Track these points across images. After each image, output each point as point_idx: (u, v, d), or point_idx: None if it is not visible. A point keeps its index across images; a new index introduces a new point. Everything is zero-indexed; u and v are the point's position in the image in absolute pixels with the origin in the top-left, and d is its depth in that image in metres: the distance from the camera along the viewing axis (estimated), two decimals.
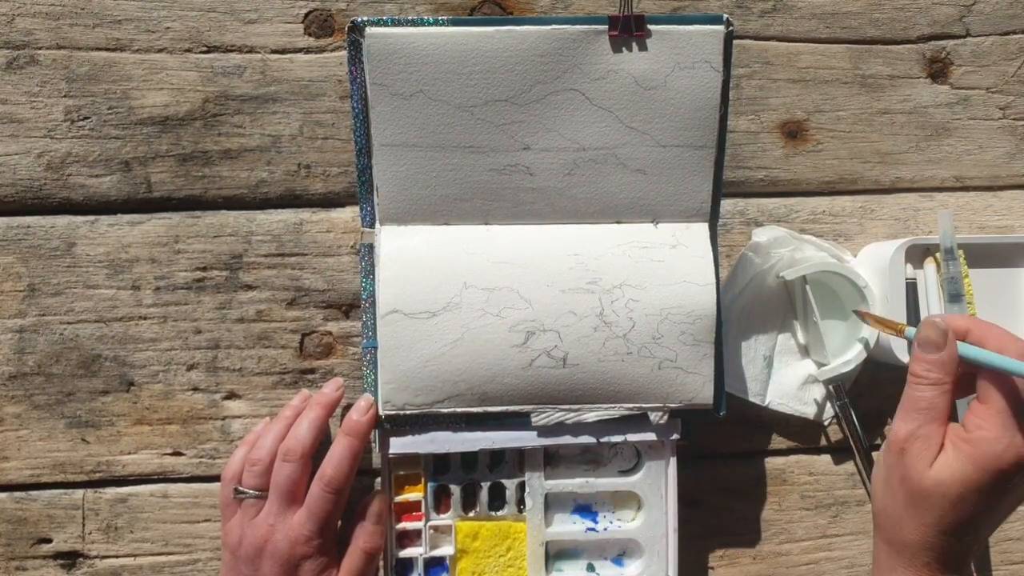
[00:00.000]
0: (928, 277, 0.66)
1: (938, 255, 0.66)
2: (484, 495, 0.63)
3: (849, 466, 0.70)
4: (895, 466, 0.53)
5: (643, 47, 0.58)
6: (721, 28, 0.58)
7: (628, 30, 0.58)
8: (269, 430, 0.62)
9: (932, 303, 0.66)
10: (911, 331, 0.57)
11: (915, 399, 0.53)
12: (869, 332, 0.66)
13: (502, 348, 0.59)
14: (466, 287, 0.59)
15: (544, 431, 0.62)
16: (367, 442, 0.61)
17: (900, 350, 0.64)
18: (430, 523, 0.63)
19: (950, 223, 0.65)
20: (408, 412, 0.60)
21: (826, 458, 0.70)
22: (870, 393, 0.70)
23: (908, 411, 0.53)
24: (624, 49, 0.58)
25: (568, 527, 0.64)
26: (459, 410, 0.60)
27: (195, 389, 0.67)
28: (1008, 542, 0.71)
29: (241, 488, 0.61)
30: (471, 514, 0.63)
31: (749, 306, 0.68)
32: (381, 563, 0.62)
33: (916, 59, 0.71)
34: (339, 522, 0.62)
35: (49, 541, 0.66)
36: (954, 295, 0.65)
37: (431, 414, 0.60)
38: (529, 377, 0.60)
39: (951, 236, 0.65)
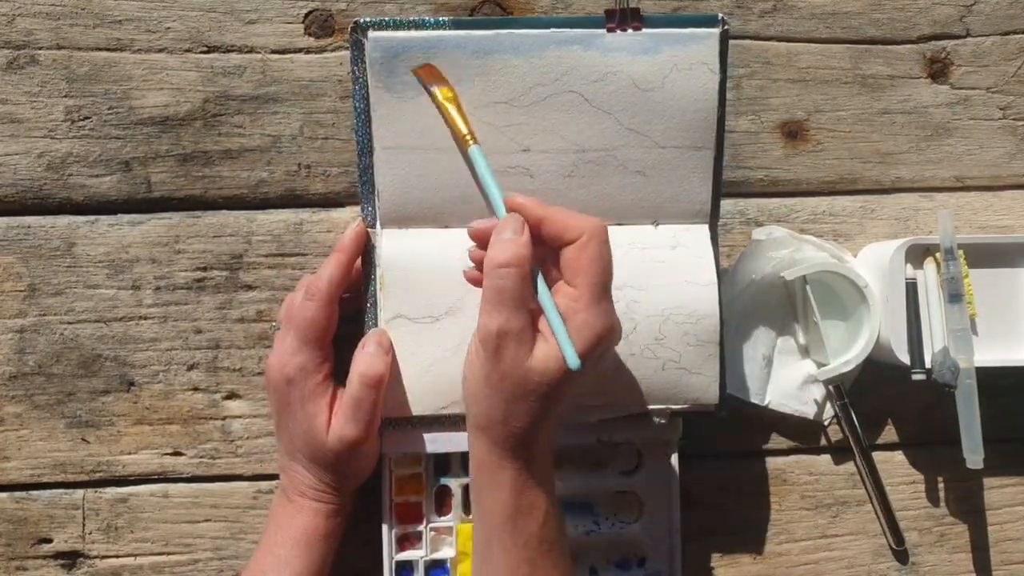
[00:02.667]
0: (928, 277, 0.66)
1: (938, 255, 0.66)
2: None
3: (849, 466, 0.70)
4: (494, 365, 0.51)
5: (643, 47, 0.58)
6: (716, 30, 0.59)
7: (625, 23, 0.58)
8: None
9: (932, 303, 0.66)
10: (476, 149, 0.57)
11: (500, 288, 0.50)
12: (869, 332, 0.66)
13: None
14: (468, 291, 0.59)
15: None
16: (355, 256, 0.60)
17: (901, 350, 0.64)
18: (431, 525, 0.63)
19: (950, 223, 0.65)
20: (411, 416, 0.60)
21: (826, 458, 0.70)
22: (870, 393, 0.70)
23: (495, 303, 0.51)
24: (623, 50, 0.58)
25: (570, 528, 0.64)
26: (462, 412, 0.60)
27: (195, 389, 0.67)
28: (1008, 542, 0.71)
29: (274, 323, 0.62)
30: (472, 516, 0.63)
31: (749, 306, 0.68)
32: (383, 563, 0.62)
33: (916, 59, 0.71)
34: (330, 341, 0.60)
35: (49, 541, 0.66)
36: (954, 295, 0.65)
37: (433, 416, 0.60)
38: None
39: (951, 236, 0.65)
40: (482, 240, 0.54)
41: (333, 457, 0.59)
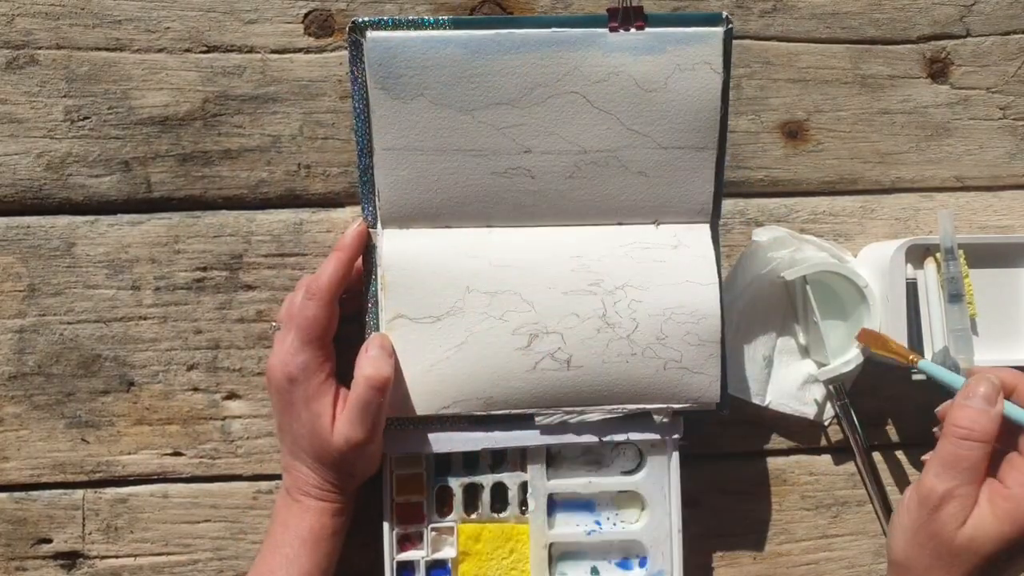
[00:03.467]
0: (928, 277, 0.66)
1: (938, 255, 0.66)
2: (486, 496, 0.63)
3: (849, 466, 0.70)
4: (926, 522, 0.52)
5: (646, 46, 0.58)
6: (720, 29, 0.58)
7: (627, 22, 0.58)
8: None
9: (932, 303, 0.66)
10: (926, 363, 0.57)
11: (958, 457, 0.51)
12: None
13: (506, 351, 0.59)
14: (469, 291, 0.59)
15: (547, 430, 0.62)
16: (356, 255, 0.60)
17: None
18: (432, 525, 0.63)
19: (950, 223, 0.65)
20: (412, 416, 0.60)
21: (826, 458, 0.70)
22: (870, 393, 0.70)
23: (948, 467, 0.51)
24: (625, 50, 0.58)
25: (571, 528, 0.64)
26: (464, 413, 0.60)
27: (195, 389, 0.67)
28: None
29: (275, 322, 0.62)
30: (473, 516, 0.63)
31: (749, 306, 0.68)
32: (384, 563, 0.62)
33: (916, 59, 0.71)
34: (331, 340, 0.60)
35: (49, 541, 0.66)
36: (954, 295, 0.65)
37: (434, 416, 0.60)
38: (533, 380, 0.60)
39: (951, 236, 0.65)
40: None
41: (338, 457, 0.58)
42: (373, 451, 0.60)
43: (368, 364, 0.57)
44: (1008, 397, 0.52)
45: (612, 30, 0.58)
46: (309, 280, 0.59)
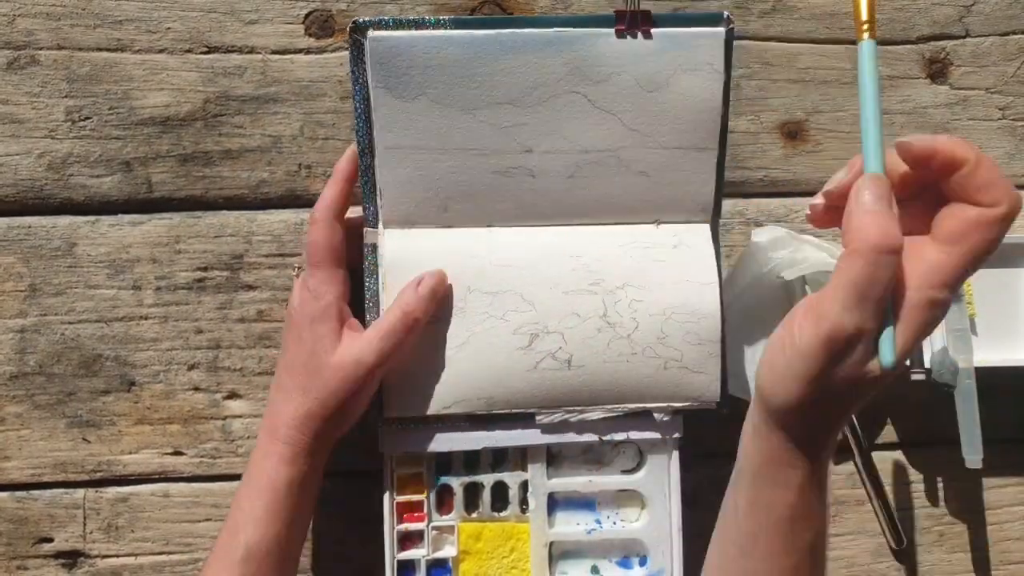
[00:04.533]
0: None
1: None
2: (487, 495, 0.63)
3: (849, 466, 0.70)
4: (831, 366, 0.44)
5: (647, 47, 0.58)
6: (722, 30, 0.59)
7: (635, 25, 0.58)
8: None
9: None
10: (868, 44, 0.45)
11: (875, 279, 0.42)
12: None
13: (507, 351, 0.59)
14: (470, 291, 0.59)
15: (547, 429, 0.62)
16: (353, 177, 0.60)
17: None
18: (432, 524, 0.63)
19: None
20: (414, 416, 0.60)
21: None
22: None
23: (862, 296, 0.43)
24: (627, 50, 0.58)
25: (572, 527, 0.64)
26: (464, 412, 0.60)
27: (196, 389, 0.67)
28: (1007, 542, 0.71)
29: (296, 265, 0.62)
30: (474, 515, 0.63)
31: (749, 306, 0.68)
32: (384, 563, 0.62)
33: (916, 59, 0.71)
34: (343, 265, 0.60)
35: (50, 540, 0.66)
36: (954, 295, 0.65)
37: (435, 415, 0.60)
38: (534, 380, 0.60)
39: None
40: (837, 196, 0.46)
41: (333, 382, 0.57)
42: (367, 390, 0.58)
43: (410, 297, 0.58)
44: (951, 173, 0.43)
45: (619, 33, 0.58)
46: (313, 209, 0.60)
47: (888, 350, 0.43)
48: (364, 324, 0.60)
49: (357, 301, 0.61)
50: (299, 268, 0.62)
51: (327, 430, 0.58)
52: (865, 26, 0.46)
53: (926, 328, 0.44)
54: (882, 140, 0.45)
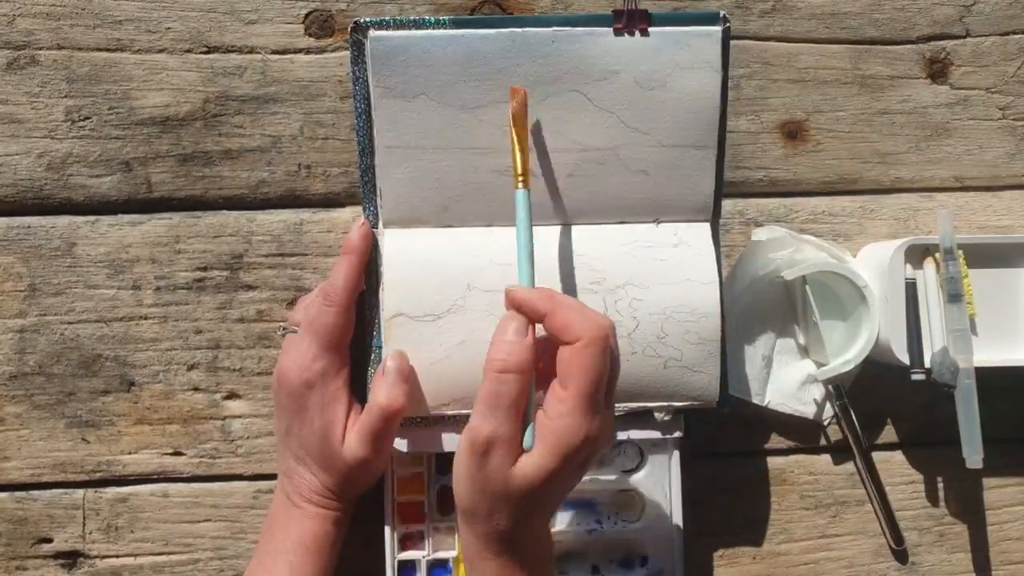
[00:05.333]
0: (928, 277, 0.66)
1: (938, 255, 0.66)
2: None
3: (849, 466, 0.70)
4: (478, 468, 0.50)
5: (645, 45, 0.59)
6: (718, 28, 0.59)
7: (632, 24, 0.58)
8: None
9: (932, 303, 0.66)
10: (522, 193, 0.54)
11: (499, 394, 0.49)
12: (869, 332, 0.66)
13: None
14: (470, 289, 0.59)
15: None
16: (366, 256, 0.60)
17: (900, 351, 0.65)
18: (433, 525, 0.63)
19: (950, 223, 0.65)
20: (413, 416, 0.60)
21: (826, 458, 0.70)
22: (870, 393, 0.70)
23: (492, 407, 0.49)
24: (625, 49, 0.58)
25: (572, 527, 0.64)
26: (465, 412, 0.60)
27: (195, 389, 0.67)
28: (1008, 542, 0.71)
29: (285, 325, 0.62)
30: None
31: (749, 306, 0.68)
32: (385, 563, 0.62)
33: (916, 59, 0.71)
34: (348, 345, 0.61)
35: (50, 541, 0.66)
36: (954, 295, 0.65)
37: (435, 415, 0.60)
38: None
39: (951, 236, 0.65)
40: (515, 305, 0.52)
41: (345, 468, 0.59)
42: (378, 466, 0.60)
43: (384, 392, 0.58)
44: (543, 321, 0.50)
45: (617, 32, 0.58)
46: (326, 286, 0.60)
47: (529, 438, 0.50)
48: (364, 317, 0.60)
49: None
50: (285, 328, 0.61)
51: (354, 494, 0.61)
52: (520, 178, 0.55)
53: (560, 440, 0.49)
54: (533, 276, 0.53)
